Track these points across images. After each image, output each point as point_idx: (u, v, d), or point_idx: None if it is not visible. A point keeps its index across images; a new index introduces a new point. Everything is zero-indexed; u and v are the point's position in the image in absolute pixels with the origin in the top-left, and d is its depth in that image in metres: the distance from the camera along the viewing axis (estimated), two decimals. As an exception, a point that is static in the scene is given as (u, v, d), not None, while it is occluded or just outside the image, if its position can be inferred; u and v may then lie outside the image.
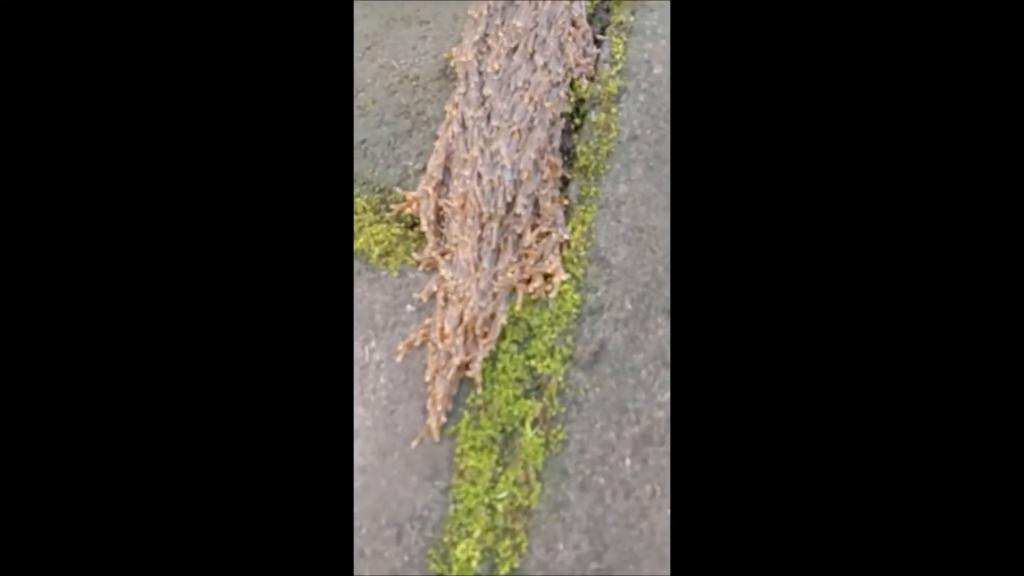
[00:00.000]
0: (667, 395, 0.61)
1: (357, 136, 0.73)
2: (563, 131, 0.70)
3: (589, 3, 0.76)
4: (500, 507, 0.59)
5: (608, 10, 0.77)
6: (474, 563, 0.57)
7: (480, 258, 0.64)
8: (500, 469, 0.60)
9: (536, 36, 0.71)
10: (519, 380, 0.62)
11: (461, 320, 0.63)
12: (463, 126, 0.69)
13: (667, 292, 0.64)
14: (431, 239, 0.67)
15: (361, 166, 0.71)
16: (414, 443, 0.60)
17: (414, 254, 0.67)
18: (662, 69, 0.72)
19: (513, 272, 0.64)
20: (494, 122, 0.68)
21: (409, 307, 0.65)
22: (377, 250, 0.67)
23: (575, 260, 0.65)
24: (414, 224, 0.69)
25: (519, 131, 0.67)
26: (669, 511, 0.57)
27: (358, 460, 0.61)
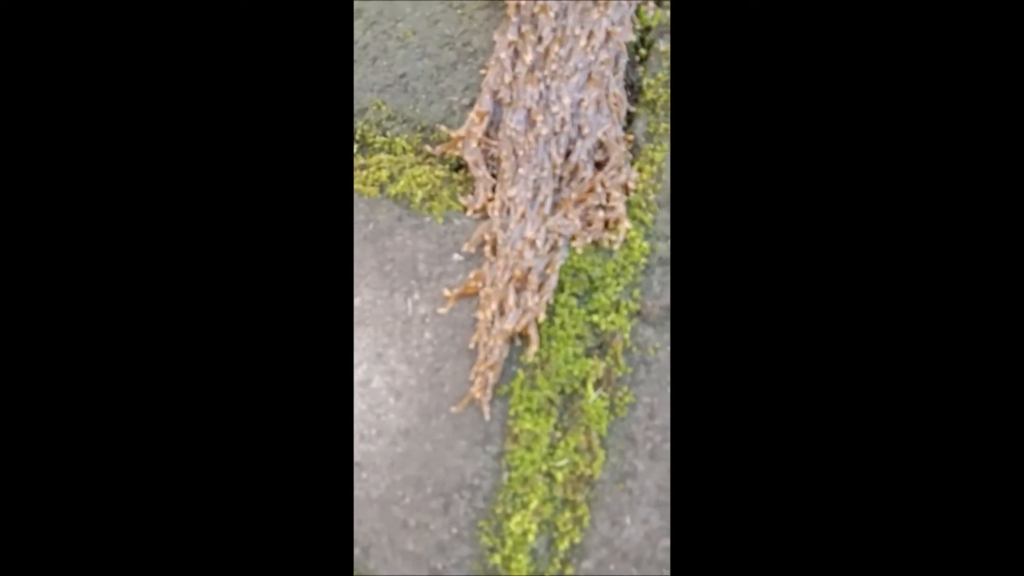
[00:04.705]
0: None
1: (396, 70, 0.66)
2: (627, 62, 0.62)
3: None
4: (559, 476, 0.53)
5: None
6: (531, 537, 0.52)
7: (534, 205, 0.58)
8: (559, 434, 0.54)
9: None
10: (579, 337, 0.56)
11: (513, 272, 0.56)
12: (514, 65, 0.62)
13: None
14: (479, 183, 0.60)
15: (401, 102, 0.65)
16: (458, 407, 0.55)
17: (460, 199, 0.60)
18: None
19: (572, 218, 0.58)
20: (550, 62, 0.61)
21: (456, 256, 0.59)
22: (420, 194, 0.61)
23: (643, 205, 0.59)
24: (460, 166, 0.62)
25: (578, 73, 0.60)
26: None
27: (401, 423, 0.55)
